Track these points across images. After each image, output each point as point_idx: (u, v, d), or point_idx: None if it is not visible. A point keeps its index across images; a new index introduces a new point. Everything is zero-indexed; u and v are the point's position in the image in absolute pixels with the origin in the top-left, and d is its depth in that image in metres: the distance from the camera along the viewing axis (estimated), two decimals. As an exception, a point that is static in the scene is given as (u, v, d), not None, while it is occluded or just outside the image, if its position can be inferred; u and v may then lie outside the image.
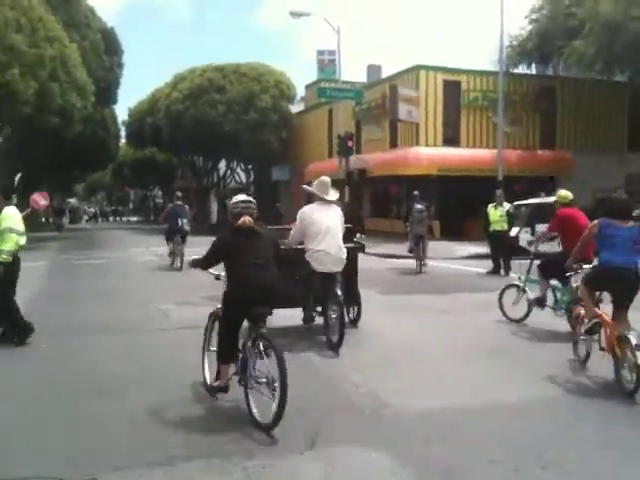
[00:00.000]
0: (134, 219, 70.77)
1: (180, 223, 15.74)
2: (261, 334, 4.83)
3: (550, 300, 8.16)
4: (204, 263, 5.32)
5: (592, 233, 6.29)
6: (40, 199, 20.11)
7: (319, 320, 7.55)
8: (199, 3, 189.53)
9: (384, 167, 26.31)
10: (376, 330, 8.11)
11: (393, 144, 27.74)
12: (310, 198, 7.87)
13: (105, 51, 31.90)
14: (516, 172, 25.07)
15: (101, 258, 18.40)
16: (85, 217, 67.92)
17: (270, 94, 34.61)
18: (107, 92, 34.20)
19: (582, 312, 6.48)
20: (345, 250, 7.47)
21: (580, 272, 6.76)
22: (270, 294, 5.02)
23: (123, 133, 49.25)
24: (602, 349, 5.96)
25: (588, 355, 6.26)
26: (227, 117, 33.95)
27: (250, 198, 5.31)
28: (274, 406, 4.47)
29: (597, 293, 6.29)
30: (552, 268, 7.83)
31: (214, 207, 48.57)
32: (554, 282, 8.12)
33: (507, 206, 14.58)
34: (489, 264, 14.56)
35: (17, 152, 37.81)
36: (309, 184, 8.25)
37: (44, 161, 42.61)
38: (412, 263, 15.51)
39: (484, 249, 17.91)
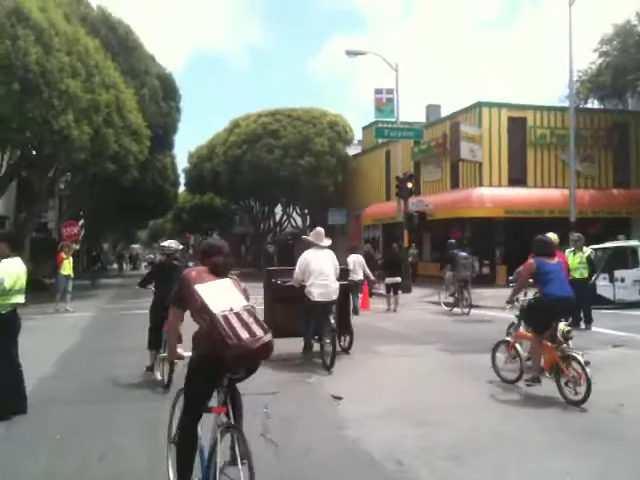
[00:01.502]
0: (191, 264, 70.97)
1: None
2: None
3: None
4: (142, 283, 8.26)
5: (531, 270, 7.22)
6: (70, 229, 19.95)
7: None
8: (257, 53, 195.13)
9: (445, 209, 25.01)
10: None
11: (455, 185, 26.47)
12: (309, 245, 9.28)
13: (163, 97, 32.08)
14: (589, 213, 23.42)
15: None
16: (144, 263, 68.62)
17: (326, 136, 34.04)
18: (164, 137, 34.32)
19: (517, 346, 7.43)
20: (337, 285, 8.94)
21: (517, 304, 7.88)
22: None
23: (182, 179, 49.85)
24: (545, 371, 6.94)
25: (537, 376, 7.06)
26: (283, 161, 33.53)
27: (169, 243, 8.47)
28: None
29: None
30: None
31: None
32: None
33: (587, 251, 13.02)
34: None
35: (79, 199, 38.46)
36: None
37: (105, 208, 43.26)
38: (475, 313, 14.17)
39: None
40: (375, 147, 34.63)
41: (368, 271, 14.89)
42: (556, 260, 7.31)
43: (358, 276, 15.23)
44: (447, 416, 6.18)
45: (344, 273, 9.78)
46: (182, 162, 48.79)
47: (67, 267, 17.42)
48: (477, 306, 17.54)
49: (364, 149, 37.88)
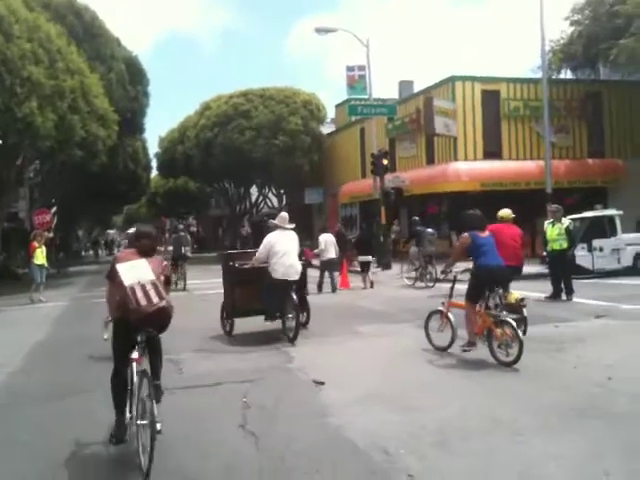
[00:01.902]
0: (170, 248, 70.21)
1: (183, 250, 18.67)
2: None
3: None
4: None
5: (466, 244, 7.69)
6: (42, 217, 19.39)
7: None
8: (229, 35, 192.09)
9: (422, 185, 24.85)
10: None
11: (430, 160, 26.29)
12: (274, 228, 9.98)
13: (129, 81, 31.31)
14: (565, 184, 23.40)
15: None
16: (120, 248, 67.71)
17: (300, 115, 33.56)
18: (133, 121, 33.60)
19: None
20: (300, 265, 9.68)
21: (450, 274, 8.25)
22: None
23: (155, 164, 49.08)
24: (478, 335, 7.41)
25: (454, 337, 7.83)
26: (256, 142, 33.04)
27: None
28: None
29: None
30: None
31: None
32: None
33: (566, 222, 12.92)
34: (546, 287, 12.92)
35: (49, 187, 37.64)
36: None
37: (76, 195, 42.45)
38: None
39: (536, 269, 16.38)
40: (349, 125, 34.27)
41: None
42: (487, 233, 7.82)
43: (330, 254, 15.79)
44: (431, 399, 6.00)
45: (300, 254, 10.36)
46: (154, 147, 48.11)
47: (40, 256, 16.92)
48: (460, 280, 17.46)
49: (338, 127, 37.50)
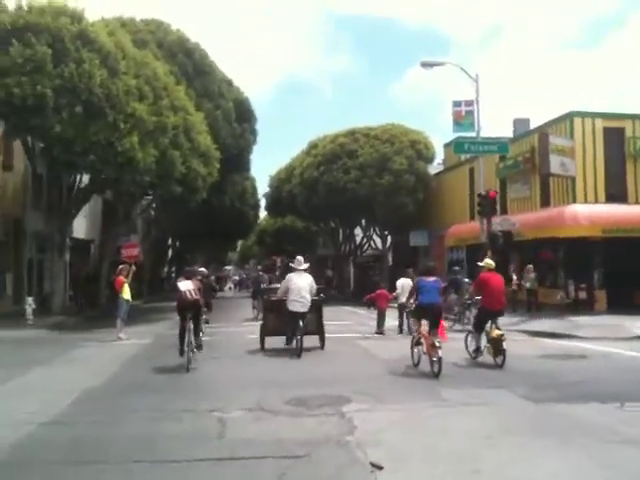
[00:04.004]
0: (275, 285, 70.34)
1: (261, 287, 21.05)
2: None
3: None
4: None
5: (414, 286, 11.08)
6: (130, 250, 19.16)
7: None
8: (341, 80, 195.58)
9: (534, 229, 22.79)
10: None
11: (545, 202, 24.17)
12: (291, 269, 13.26)
13: (237, 119, 31.67)
14: (702, 232, 20.55)
15: (212, 334, 16.47)
16: (229, 284, 68.81)
17: (405, 155, 32.42)
18: (239, 159, 33.93)
19: (416, 334, 10.95)
20: (309, 300, 12.43)
21: (410, 308, 12.39)
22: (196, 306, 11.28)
23: (263, 203, 49.63)
24: (424, 353, 10.34)
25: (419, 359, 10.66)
26: (360, 181, 32.23)
27: (202, 270, 17.39)
28: None
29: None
30: (479, 321, 11.43)
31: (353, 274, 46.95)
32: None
33: None
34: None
35: (162, 222, 38.77)
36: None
37: (189, 231, 43.56)
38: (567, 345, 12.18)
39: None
40: (458, 164, 32.70)
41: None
42: (433, 278, 10.69)
43: (404, 299, 16.08)
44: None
45: (319, 291, 13.48)
46: (264, 186, 48.69)
47: (126, 291, 16.67)
48: (572, 336, 15.47)
49: (446, 167, 35.97)
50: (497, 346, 10.69)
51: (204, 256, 76.41)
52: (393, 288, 18.08)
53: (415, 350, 10.74)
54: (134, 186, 21.60)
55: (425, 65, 22.31)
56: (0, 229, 23.48)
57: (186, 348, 10.75)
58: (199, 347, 11.48)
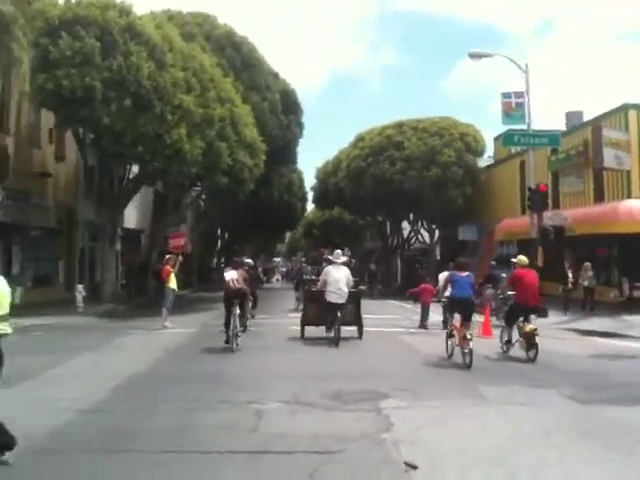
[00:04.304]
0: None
1: (304, 277, 21.52)
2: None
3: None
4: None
5: (447, 280, 11.53)
6: (177, 240, 19.24)
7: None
8: (390, 73, 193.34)
9: (587, 224, 22.05)
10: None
11: (599, 197, 23.39)
12: (330, 262, 14.05)
13: (283, 111, 31.73)
14: None
15: (256, 325, 16.53)
16: (277, 276, 69.17)
17: (453, 147, 31.89)
18: (286, 150, 34.03)
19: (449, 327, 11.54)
20: (346, 292, 12.96)
21: (444, 301, 12.89)
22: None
23: (310, 196, 49.74)
24: (457, 345, 10.72)
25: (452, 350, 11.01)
26: (407, 173, 31.86)
27: (249, 261, 17.63)
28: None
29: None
30: (511, 316, 11.65)
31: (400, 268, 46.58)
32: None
33: None
34: None
35: (211, 214, 39.20)
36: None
37: (238, 223, 43.94)
38: (624, 346, 11.75)
39: None
40: (508, 157, 31.94)
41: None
42: (465, 273, 11.05)
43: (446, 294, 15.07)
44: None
45: (356, 283, 14.46)
46: (311, 179, 48.75)
47: (172, 280, 16.84)
48: (624, 336, 14.94)
49: (496, 160, 35.22)
50: (530, 340, 10.85)
51: (253, 247, 77.11)
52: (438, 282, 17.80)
53: (449, 342, 11.11)
54: (181, 177, 21.87)
55: (473, 56, 21.82)
56: (53, 218, 24.13)
57: (231, 332, 11.69)
58: (244, 329, 13.17)
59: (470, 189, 32.75)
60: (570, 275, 21.82)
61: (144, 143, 19.23)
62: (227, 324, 11.77)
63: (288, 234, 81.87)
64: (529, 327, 10.95)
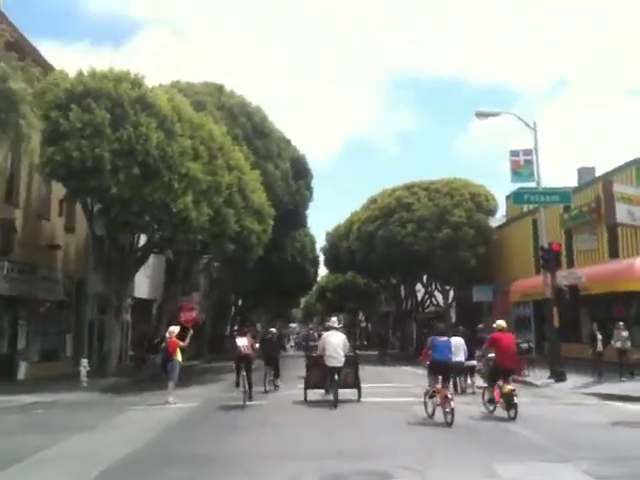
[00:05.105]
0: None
1: (310, 344, 22.94)
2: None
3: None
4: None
5: (429, 344, 12.27)
6: (189, 313, 18.83)
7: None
8: (404, 137, 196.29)
9: (603, 282, 21.50)
10: None
11: (613, 254, 22.90)
12: (328, 328, 15.58)
13: (293, 176, 32.00)
14: None
15: (264, 398, 15.96)
16: (290, 343, 68.01)
17: (464, 207, 31.74)
18: (295, 214, 34.13)
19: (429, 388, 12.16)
20: (343, 355, 14.09)
21: (426, 365, 12.53)
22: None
23: (322, 259, 49.55)
24: (438, 405, 11.53)
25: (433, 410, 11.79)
26: (418, 235, 31.64)
27: (273, 329, 21.54)
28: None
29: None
30: (492, 375, 12.66)
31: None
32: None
33: None
34: None
35: (223, 281, 38.98)
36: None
37: (250, 289, 43.69)
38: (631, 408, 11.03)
39: None
40: (520, 216, 31.69)
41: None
42: (444, 338, 12.25)
43: (458, 357, 15.67)
44: None
45: (353, 348, 16.22)
46: (321, 242, 48.68)
47: (179, 352, 16.38)
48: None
49: (508, 219, 34.94)
50: (509, 400, 11.77)
51: (268, 313, 76.47)
52: None
53: (429, 402, 11.94)
54: (188, 245, 21.67)
55: (480, 115, 21.84)
56: (62, 290, 23.95)
57: (242, 390, 14.55)
58: (276, 387, 17.61)
59: (483, 249, 32.39)
60: (599, 336, 19.58)
61: (151, 212, 19.16)
62: (237, 384, 14.78)
63: (303, 299, 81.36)
64: (507, 388, 11.86)
